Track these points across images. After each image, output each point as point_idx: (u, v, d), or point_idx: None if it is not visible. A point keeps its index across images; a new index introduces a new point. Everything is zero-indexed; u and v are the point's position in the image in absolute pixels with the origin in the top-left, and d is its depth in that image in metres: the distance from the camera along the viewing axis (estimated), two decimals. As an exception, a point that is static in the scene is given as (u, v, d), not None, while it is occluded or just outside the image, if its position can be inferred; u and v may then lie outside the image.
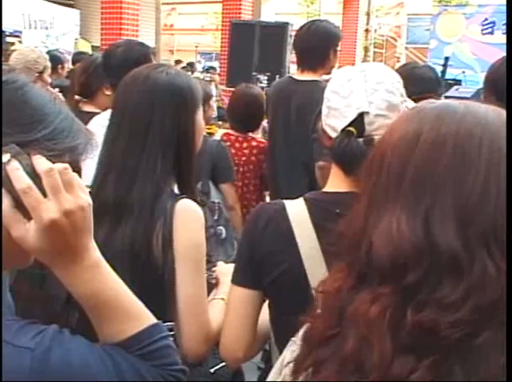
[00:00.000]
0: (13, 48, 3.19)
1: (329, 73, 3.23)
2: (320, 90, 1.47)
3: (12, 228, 0.80)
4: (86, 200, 0.84)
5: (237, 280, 1.43)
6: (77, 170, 0.85)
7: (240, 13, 11.84)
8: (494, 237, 0.73)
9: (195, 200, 1.53)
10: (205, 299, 1.53)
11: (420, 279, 0.73)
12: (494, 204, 0.74)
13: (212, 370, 1.70)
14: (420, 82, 2.84)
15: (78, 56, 6.27)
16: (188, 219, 1.49)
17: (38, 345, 0.77)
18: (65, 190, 0.80)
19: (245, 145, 3.55)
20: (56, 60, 4.95)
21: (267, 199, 3.59)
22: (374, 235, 0.77)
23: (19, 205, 0.79)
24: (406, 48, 20.47)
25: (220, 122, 4.70)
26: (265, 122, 4.23)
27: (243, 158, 3.50)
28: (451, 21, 15.67)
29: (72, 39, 9.57)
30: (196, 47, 21.14)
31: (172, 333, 1.44)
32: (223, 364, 1.70)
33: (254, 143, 3.58)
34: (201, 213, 1.51)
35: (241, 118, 3.60)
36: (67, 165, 0.81)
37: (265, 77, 6.59)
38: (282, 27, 7.46)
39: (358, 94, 1.33)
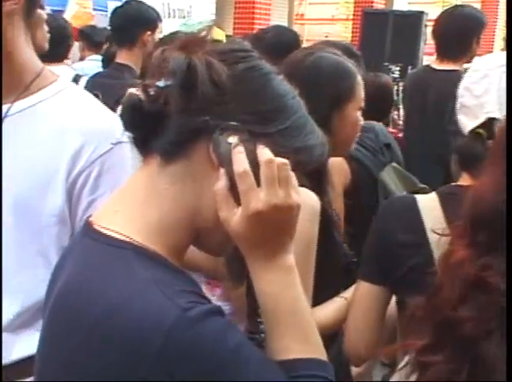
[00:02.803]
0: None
1: (469, 62, 3.09)
2: (461, 80, 1.41)
3: (221, 208, 0.82)
4: (296, 200, 0.83)
5: (363, 274, 1.40)
6: (300, 171, 0.85)
7: (372, 2, 11.62)
8: None
9: (321, 191, 1.45)
10: (307, 291, 1.43)
11: (488, 241, 0.81)
12: None
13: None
14: None
15: (213, 45, 6.44)
16: None
17: (191, 310, 0.74)
18: (279, 185, 0.80)
19: (376, 135, 3.48)
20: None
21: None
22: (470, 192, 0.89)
23: (233, 189, 0.81)
24: (550, 39, 19.16)
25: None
26: (394, 113, 4.14)
27: (373, 149, 3.43)
28: None
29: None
30: (326, 37, 20.97)
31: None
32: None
33: (385, 134, 3.50)
34: (313, 203, 1.40)
35: (369, 108, 3.53)
36: (286, 161, 0.82)
37: (397, 68, 6.42)
38: (416, 16, 7.25)
39: (491, 95, 1.26)
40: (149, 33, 3.05)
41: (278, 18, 11.56)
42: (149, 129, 0.84)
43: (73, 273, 0.85)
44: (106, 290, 0.77)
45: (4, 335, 1.25)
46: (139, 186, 0.86)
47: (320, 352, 0.85)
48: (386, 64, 6.53)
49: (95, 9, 7.91)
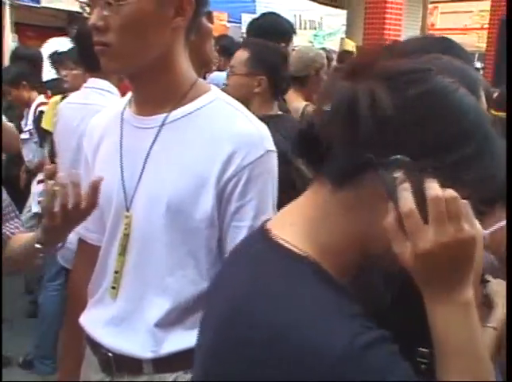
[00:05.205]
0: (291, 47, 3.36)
1: None
2: None
3: (395, 243, 0.80)
4: (469, 234, 0.78)
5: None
6: (474, 198, 0.81)
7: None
8: None
9: None
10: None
11: None
12: None
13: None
14: None
15: (343, 55, 6.44)
16: None
17: (362, 335, 0.74)
18: (448, 220, 0.77)
19: None
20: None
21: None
22: None
23: (401, 222, 0.79)
24: None
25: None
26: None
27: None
28: None
29: (338, 39, 9.85)
30: (458, 47, 20.29)
31: (424, 360, 1.37)
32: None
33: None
34: None
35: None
36: (456, 195, 0.77)
37: (537, 79, 6.04)
38: (561, 24, 6.81)
39: None
40: (283, 44, 3.10)
41: (410, 28, 11.33)
42: (319, 153, 0.85)
43: (247, 279, 0.86)
44: (282, 305, 0.79)
45: (156, 330, 1.33)
46: (312, 206, 0.89)
47: None
48: (526, 75, 6.19)
49: (229, 22, 8.17)
